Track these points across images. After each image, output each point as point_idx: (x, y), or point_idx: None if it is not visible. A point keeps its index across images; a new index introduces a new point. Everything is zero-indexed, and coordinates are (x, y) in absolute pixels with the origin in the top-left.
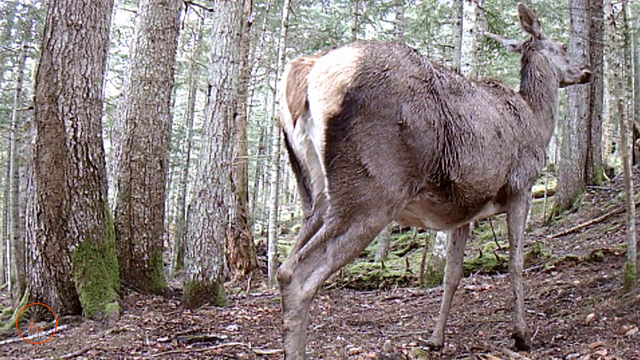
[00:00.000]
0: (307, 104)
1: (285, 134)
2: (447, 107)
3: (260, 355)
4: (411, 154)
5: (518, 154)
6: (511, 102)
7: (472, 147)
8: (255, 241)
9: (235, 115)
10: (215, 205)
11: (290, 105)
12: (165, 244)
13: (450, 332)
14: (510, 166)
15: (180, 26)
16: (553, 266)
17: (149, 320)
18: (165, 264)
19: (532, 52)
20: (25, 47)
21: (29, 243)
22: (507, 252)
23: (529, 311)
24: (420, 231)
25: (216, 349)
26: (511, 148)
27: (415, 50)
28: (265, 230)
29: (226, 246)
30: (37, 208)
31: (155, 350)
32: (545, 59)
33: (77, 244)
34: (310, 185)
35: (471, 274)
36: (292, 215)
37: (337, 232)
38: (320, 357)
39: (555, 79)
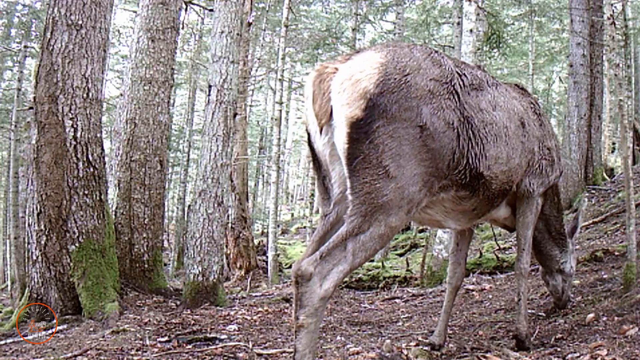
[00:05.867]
0: (332, 113)
1: (309, 135)
2: (467, 103)
3: (260, 355)
4: (432, 155)
5: (538, 151)
6: (535, 105)
7: (496, 137)
8: (255, 241)
9: (235, 115)
10: (215, 205)
11: (316, 113)
12: (165, 244)
13: (451, 332)
14: (530, 161)
15: (180, 26)
16: None
17: (149, 320)
18: (165, 264)
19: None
20: (25, 47)
21: (29, 243)
22: (507, 252)
23: (529, 311)
24: (421, 231)
25: (216, 349)
26: (533, 142)
27: (436, 51)
28: (265, 230)
29: (226, 246)
30: (37, 208)
31: (155, 350)
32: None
33: (77, 244)
34: (330, 185)
35: (471, 274)
36: (292, 215)
37: (357, 231)
38: (320, 357)
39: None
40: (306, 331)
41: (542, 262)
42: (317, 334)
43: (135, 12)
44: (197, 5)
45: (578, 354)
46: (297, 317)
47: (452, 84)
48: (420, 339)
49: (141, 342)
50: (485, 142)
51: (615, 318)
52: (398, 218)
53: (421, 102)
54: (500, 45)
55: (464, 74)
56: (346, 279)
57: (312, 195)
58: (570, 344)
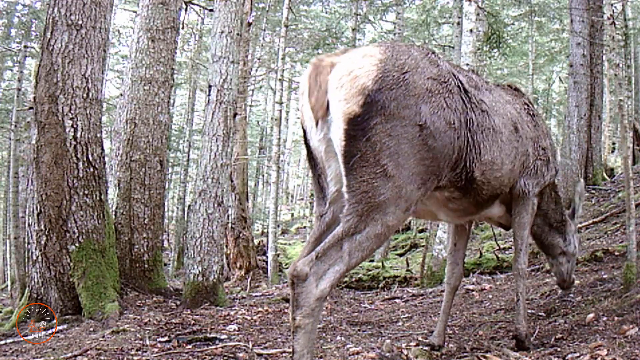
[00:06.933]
0: (328, 106)
1: (305, 131)
2: (470, 103)
3: (260, 355)
4: (432, 154)
5: (533, 152)
6: (529, 106)
7: (492, 143)
8: (255, 241)
9: (235, 115)
10: (215, 205)
11: (312, 106)
12: (165, 244)
13: (450, 332)
14: (524, 163)
15: (180, 26)
16: None
17: (149, 320)
18: (165, 264)
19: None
20: (25, 47)
21: (29, 243)
22: (507, 252)
23: (529, 311)
24: (420, 231)
25: (216, 349)
26: (527, 144)
27: (433, 52)
28: (265, 230)
29: (226, 246)
30: (37, 208)
31: (155, 350)
32: (573, 231)
33: (77, 244)
34: (325, 183)
35: (471, 274)
36: (292, 215)
37: (354, 231)
38: (320, 357)
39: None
40: (303, 331)
41: (544, 251)
42: (315, 334)
43: (135, 12)
44: (197, 5)
45: (578, 354)
46: (294, 317)
47: (450, 84)
48: (420, 339)
49: (141, 342)
50: (483, 147)
51: (615, 318)
52: (395, 217)
53: (420, 100)
54: (500, 45)
55: (461, 76)
56: (346, 279)
57: (312, 195)
58: (570, 344)
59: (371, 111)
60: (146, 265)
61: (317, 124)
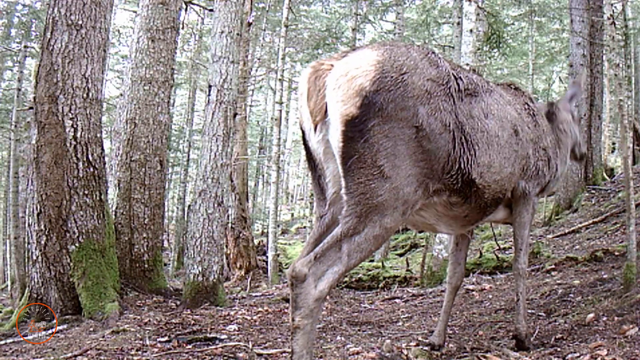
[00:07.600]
0: (327, 108)
1: (304, 133)
2: (460, 109)
3: (260, 355)
4: (427, 156)
5: (533, 154)
6: (530, 105)
7: (487, 146)
8: (255, 241)
9: (235, 115)
10: (215, 205)
11: (311, 110)
12: (165, 244)
13: (450, 332)
14: (524, 166)
15: (180, 26)
16: (553, 266)
17: (149, 320)
18: (165, 264)
19: (558, 111)
20: (25, 47)
21: (29, 243)
22: (507, 252)
23: (529, 311)
24: (421, 231)
25: (216, 349)
26: (527, 147)
27: (433, 52)
28: (265, 230)
29: (226, 246)
30: (37, 208)
31: (155, 350)
32: (568, 121)
33: (77, 244)
34: (325, 184)
35: (471, 274)
36: (292, 215)
37: (352, 232)
38: (320, 357)
39: (572, 141)
40: (302, 332)
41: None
42: (314, 334)
43: (135, 12)
44: (197, 5)
45: (578, 354)
46: (293, 318)
47: (449, 86)
48: (420, 339)
49: (141, 342)
50: (477, 149)
51: (615, 318)
52: (393, 219)
53: (418, 102)
54: (500, 45)
55: (460, 77)
56: (346, 279)
57: (312, 195)
58: (570, 344)
59: (369, 112)
60: (146, 265)
61: (315, 126)
